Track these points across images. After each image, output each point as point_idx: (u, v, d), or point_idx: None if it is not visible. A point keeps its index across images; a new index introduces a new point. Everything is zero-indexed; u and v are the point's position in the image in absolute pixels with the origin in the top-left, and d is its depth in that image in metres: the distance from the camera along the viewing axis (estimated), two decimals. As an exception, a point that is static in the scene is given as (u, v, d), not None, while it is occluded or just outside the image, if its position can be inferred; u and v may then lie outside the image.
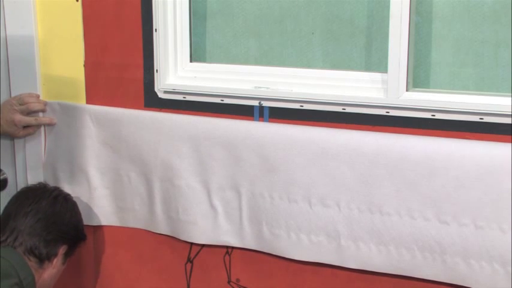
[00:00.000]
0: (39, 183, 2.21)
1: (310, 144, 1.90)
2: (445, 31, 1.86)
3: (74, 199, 2.20)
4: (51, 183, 2.28)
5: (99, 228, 2.31)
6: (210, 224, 2.08)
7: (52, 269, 2.07)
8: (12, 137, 2.31)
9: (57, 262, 2.08)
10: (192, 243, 2.17)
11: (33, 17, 2.26)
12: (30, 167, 2.35)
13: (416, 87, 1.88)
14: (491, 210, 1.71)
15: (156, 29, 2.09)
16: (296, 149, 1.91)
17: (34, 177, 2.32)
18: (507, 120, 1.72)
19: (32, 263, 2.01)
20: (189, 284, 2.22)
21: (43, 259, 2.04)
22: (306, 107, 1.95)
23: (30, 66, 2.29)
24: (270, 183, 1.97)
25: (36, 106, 2.24)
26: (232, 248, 2.12)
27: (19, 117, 2.22)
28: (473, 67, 1.84)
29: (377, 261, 1.87)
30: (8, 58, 2.31)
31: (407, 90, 1.84)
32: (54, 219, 2.08)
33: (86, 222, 2.26)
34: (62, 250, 2.08)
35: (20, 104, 2.23)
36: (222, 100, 2.06)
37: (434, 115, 1.81)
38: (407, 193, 1.79)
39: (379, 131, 1.86)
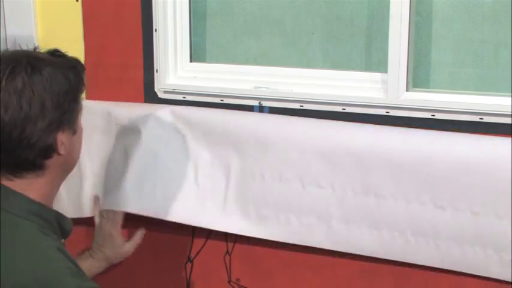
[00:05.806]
0: None
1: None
2: (445, 31, 1.86)
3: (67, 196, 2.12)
4: None
5: (99, 228, 2.30)
6: (191, 202, 1.99)
7: (60, 158, 1.48)
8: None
9: (62, 147, 1.47)
10: (193, 241, 2.17)
11: (33, 17, 2.26)
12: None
13: (416, 87, 1.88)
14: (488, 196, 1.70)
15: (156, 29, 2.09)
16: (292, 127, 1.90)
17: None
18: (507, 120, 1.73)
19: (19, 181, 1.45)
20: (189, 284, 2.22)
21: (36, 167, 1.46)
22: (306, 107, 1.96)
23: (30, 66, 2.29)
24: (263, 161, 1.91)
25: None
26: (233, 246, 2.12)
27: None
28: (473, 67, 1.85)
29: (368, 244, 1.84)
30: (8, 58, 2.31)
31: (407, 90, 1.84)
32: (22, 122, 1.41)
33: (77, 215, 2.13)
34: (60, 137, 1.47)
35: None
36: (222, 100, 2.06)
37: (434, 115, 1.81)
38: (404, 177, 1.77)
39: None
